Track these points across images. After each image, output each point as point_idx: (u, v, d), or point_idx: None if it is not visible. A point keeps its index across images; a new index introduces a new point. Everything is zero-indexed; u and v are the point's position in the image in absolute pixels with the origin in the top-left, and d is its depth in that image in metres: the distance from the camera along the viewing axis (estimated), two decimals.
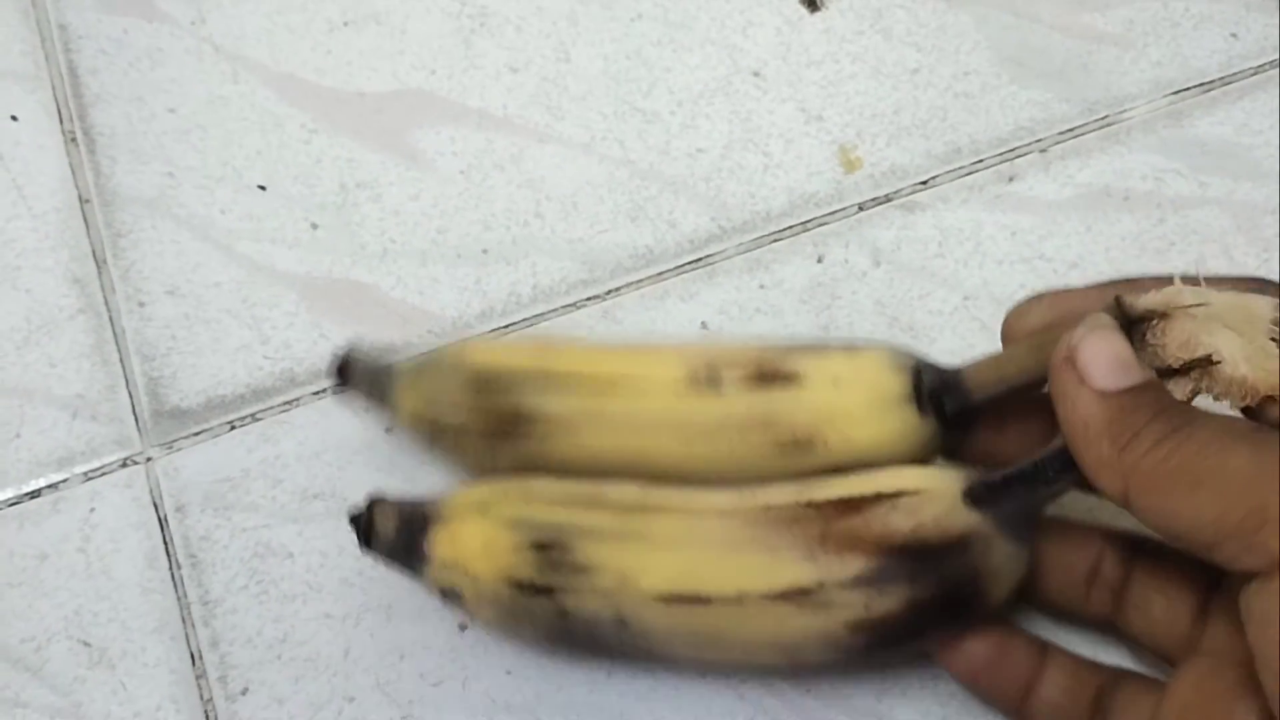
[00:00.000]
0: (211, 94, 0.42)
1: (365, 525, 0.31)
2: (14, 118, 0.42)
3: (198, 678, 0.34)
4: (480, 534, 0.30)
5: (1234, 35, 0.43)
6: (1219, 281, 0.28)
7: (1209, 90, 0.42)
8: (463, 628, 0.34)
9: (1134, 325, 0.27)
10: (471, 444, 0.32)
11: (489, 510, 0.30)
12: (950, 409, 0.30)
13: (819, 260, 0.40)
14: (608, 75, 0.43)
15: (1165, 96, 0.42)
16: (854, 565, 0.28)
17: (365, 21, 0.44)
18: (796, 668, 0.32)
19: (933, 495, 0.28)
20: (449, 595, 0.31)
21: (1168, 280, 0.28)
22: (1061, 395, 0.27)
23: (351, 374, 0.34)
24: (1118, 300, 0.27)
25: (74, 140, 0.42)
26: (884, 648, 0.29)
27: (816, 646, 0.29)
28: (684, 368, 0.31)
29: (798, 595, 0.28)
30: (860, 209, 0.40)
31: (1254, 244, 0.39)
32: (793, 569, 0.28)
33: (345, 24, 0.44)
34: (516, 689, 0.33)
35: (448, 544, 0.30)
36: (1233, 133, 0.41)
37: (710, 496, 0.30)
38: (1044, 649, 0.31)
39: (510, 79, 0.43)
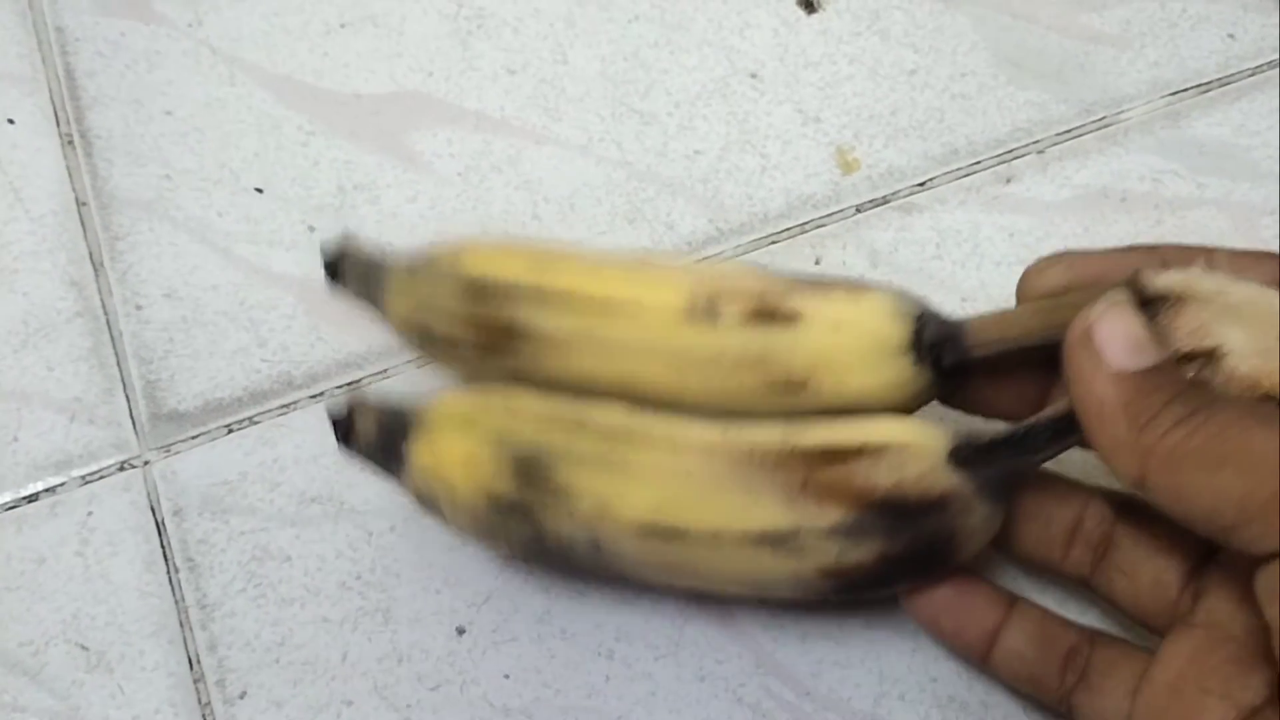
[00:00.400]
0: (208, 96, 0.42)
1: (345, 425, 0.31)
2: (11, 121, 0.42)
3: (195, 681, 0.34)
4: (461, 447, 0.30)
5: (1231, 36, 0.43)
6: (1242, 258, 0.27)
7: (1207, 91, 0.42)
8: (460, 631, 0.34)
9: (1147, 303, 0.27)
10: (461, 353, 0.32)
11: (472, 424, 0.30)
12: (948, 361, 0.29)
13: (816, 262, 0.40)
14: (605, 77, 0.43)
15: (1163, 97, 0.42)
16: (832, 515, 0.28)
17: (362, 23, 0.44)
18: (765, 601, 0.32)
19: (918, 452, 0.28)
20: (425, 502, 0.31)
21: (1190, 251, 0.28)
22: (1077, 373, 0.26)
23: (342, 270, 0.33)
24: (1135, 276, 0.27)
25: (71, 143, 0.42)
26: (851, 592, 0.30)
27: (786, 586, 0.29)
28: (684, 296, 0.30)
29: (773, 539, 0.28)
30: (858, 210, 0.40)
31: (1252, 245, 0.39)
32: (771, 513, 0.28)
33: (342, 26, 0.44)
34: (515, 693, 0.34)
35: (428, 453, 0.30)
36: (1231, 133, 0.41)
37: (696, 430, 0.30)
38: (1011, 600, 0.31)
39: (508, 80, 0.43)
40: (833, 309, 0.30)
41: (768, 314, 0.30)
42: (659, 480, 0.29)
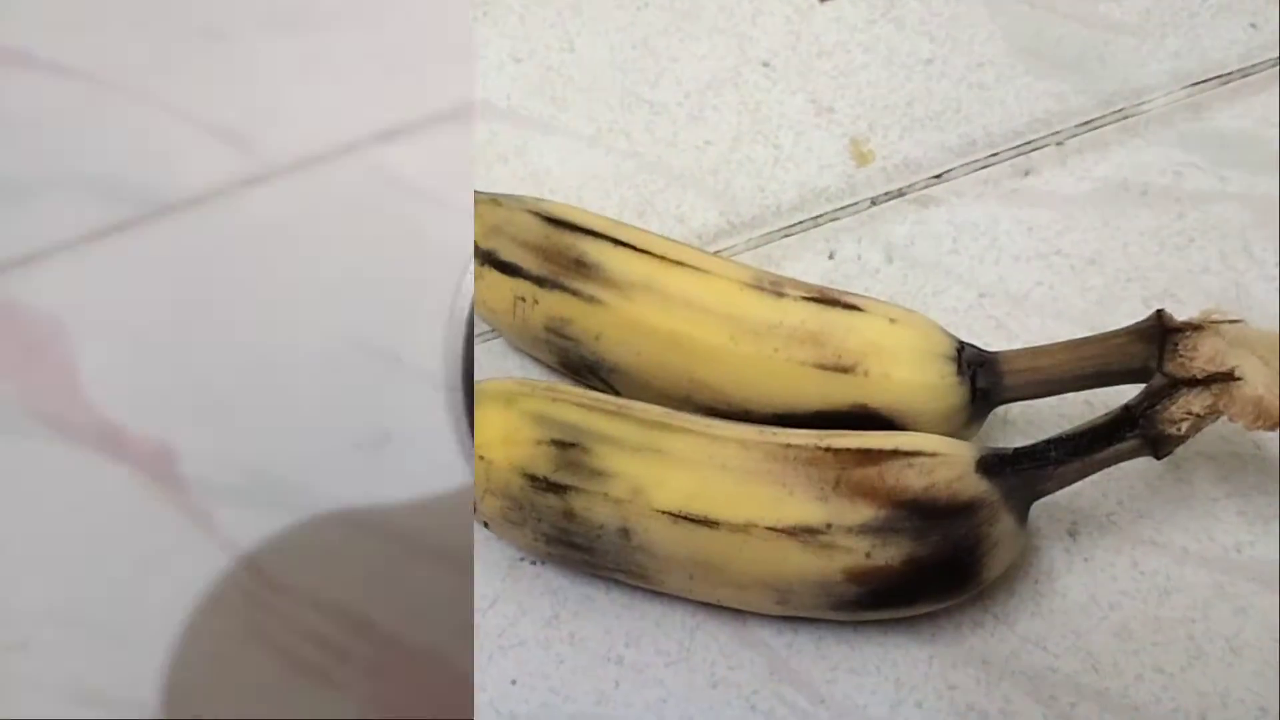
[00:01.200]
0: None
1: None
2: None
3: None
4: (502, 422, 0.31)
5: (1253, 25, 0.42)
6: None
7: (1228, 82, 0.41)
8: None
9: (1169, 334, 0.29)
10: (518, 286, 0.33)
11: (514, 402, 0.31)
12: (982, 383, 0.31)
13: (830, 256, 0.39)
14: (613, 65, 0.42)
15: (1184, 88, 0.41)
16: (864, 512, 0.29)
17: None
18: (781, 611, 0.32)
19: (948, 460, 0.29)
20: None
21: None
22: None
23: None
24: (1159, 312, 0.30)
25: None
26: (872, 606, 0.30)
27: (809, 590, 0.30)
28: (750, 275, 0.33)
29: (804, 533, 0.29)
30: (873, 203, 0.40)
31: (1274, 239, 0.38)
32: (803, 506, 0.29)
33: None
34: (522, 699, 0.33)
35: None
36: (1253, 125, 0.40)
37: (733, 427, 0.31)
38: None
39: (514, 69, 0.42)
40: (889, 310, 0.32)
41: (830, 300, 0.32)
42: (695, 468, 0.30)
